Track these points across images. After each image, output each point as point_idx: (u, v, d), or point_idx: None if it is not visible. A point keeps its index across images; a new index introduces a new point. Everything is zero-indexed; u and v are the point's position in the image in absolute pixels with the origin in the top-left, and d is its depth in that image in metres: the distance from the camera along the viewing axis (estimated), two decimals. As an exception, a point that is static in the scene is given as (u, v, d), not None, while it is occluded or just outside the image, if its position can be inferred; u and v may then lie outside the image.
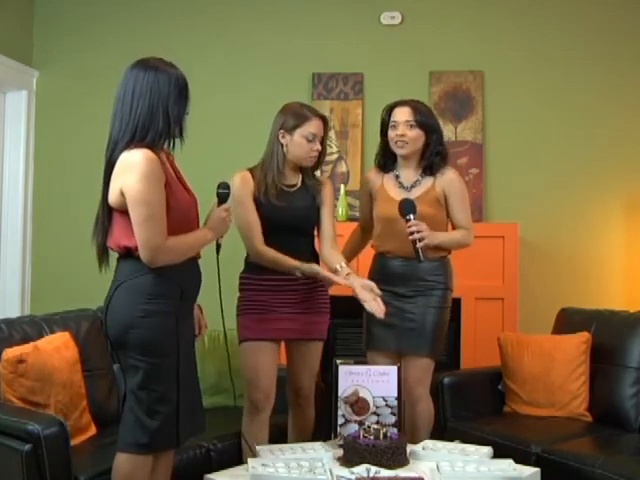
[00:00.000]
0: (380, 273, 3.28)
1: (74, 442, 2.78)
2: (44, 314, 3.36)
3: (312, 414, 3.28)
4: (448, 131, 4.54)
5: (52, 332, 3.19)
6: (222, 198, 2.69)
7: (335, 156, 4.66)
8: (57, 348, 3.02)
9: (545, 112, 4.60)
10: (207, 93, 4.70)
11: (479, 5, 4.67)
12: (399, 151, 3.22)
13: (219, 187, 2.70)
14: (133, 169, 2.34)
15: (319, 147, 3.10)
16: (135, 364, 2.41)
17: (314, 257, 3.18)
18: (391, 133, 3.22)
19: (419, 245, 3.05)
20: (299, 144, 3.07)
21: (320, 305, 3.18)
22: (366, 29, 4.72)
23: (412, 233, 3.05)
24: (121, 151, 2.39)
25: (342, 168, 4.64)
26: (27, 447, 2.54)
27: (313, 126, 3.08)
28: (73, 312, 3.43)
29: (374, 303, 2.93)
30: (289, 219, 3.09)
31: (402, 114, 3.19)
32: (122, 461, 2.45)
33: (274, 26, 4.78)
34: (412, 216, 3.08)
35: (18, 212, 4.83)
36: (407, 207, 3.11)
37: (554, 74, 4.60)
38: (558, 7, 4.62)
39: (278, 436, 3.22)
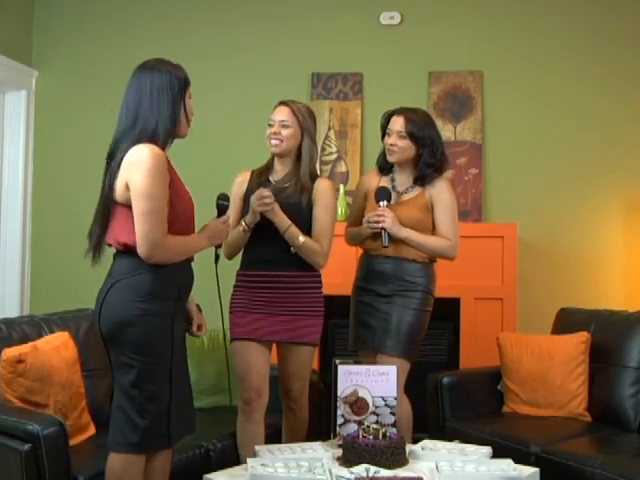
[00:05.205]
0: (365, 272, 3.32)
1: (73, 442, 2.78)
2: (43, 314, 3.36)
3: (304, 416, 3.24)
4: (447, 131, 4.54)
5: (51, 332, 3.19)
6: (221, 209, 2.70)
7: (334, 156, 4.66)
8: (56, 348, 3.01)
9: (545, 112, 4.60)
10: (207, 93, 4.70)
11: (479, 5, 4.67)
12: (389, 158, 3.28)
13: (219, 198, 2.71)
14: (140, 164, 2.36)
15: (275, 130, 3.07)
16: (129, 362, 2.40)
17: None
18: (385, 140, 3.29)
19: (380, 226, 3.14)
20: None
21: (313, 307, 3.13)
22: (365, 29, 4.71)
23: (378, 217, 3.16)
24: (126, 149, 2.40)
25: (341, 168, 4.64)
26: (26, 447, 2.54)
27: (275, 112, 3.13)
28: (72, 312, 3.43)
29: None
30: None
31: (396, 124, 3.25)
32: (114, 460, 2.45)
33: (274, 26, 4.78)
34: (384, 203, 3.18)
35: (17, 212, 4.83)
36: (382, 194, 3.22)
37: (554, 74, 4.59)
38: (558, 7, 4.61)
39: (273, 436, 3.20)
